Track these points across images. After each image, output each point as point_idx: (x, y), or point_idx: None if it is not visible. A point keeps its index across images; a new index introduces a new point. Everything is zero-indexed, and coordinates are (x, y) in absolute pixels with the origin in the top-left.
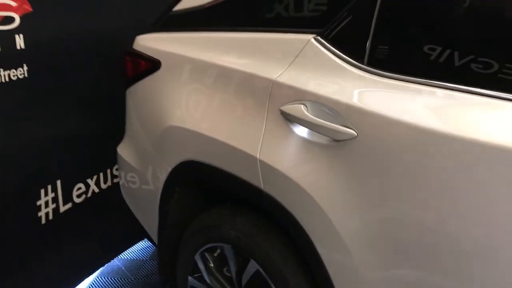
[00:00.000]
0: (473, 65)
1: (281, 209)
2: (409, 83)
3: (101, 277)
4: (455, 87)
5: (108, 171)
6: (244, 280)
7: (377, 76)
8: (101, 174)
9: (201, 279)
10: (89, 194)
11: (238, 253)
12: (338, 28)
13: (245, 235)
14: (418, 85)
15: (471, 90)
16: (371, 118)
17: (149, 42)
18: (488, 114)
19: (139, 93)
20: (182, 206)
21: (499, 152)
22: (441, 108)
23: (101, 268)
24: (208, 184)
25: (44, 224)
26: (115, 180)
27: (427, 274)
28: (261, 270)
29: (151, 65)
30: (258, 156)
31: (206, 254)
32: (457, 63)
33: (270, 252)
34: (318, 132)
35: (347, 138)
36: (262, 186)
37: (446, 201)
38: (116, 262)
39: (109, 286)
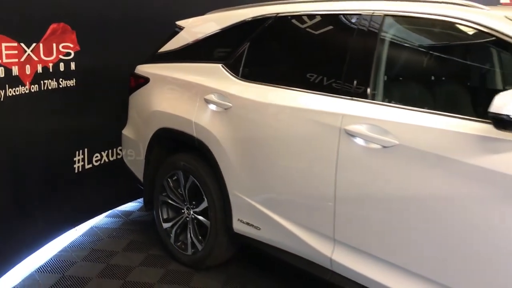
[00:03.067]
0: (289, 76)
1: (203, 145)
2: (259, 84)
3: (105, 218)
4: (283, 86)
5: (114, 149)
6: (187, 188)
7: (245, 82)
8: (110, 151)
9: (166, 195)
10: (102, 161)
11: (184, 174)
12: (230, 62)
13: (187, 163)
14: (264, 85)
15: (289, 88)
16: (241, 99)
17: (144, 68)
18: (292, 97)
19: (138, 96)
20: (157, 154)
21: (290, 110)
22: (275, 94)
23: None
24: (170, 139)
25: (77, 172)
26: (118, 157)
27: (260, 172)
28: (195, 180)
29: (144, 80)
30: (193, 120)
31: (169, 180)
32: (282, 76)
33: (200, 169)
34: (218, 106)
35: (229, 107)
36: (195, 134)
37: (274, 140)
38: (116, 211)
39: (111, 225)
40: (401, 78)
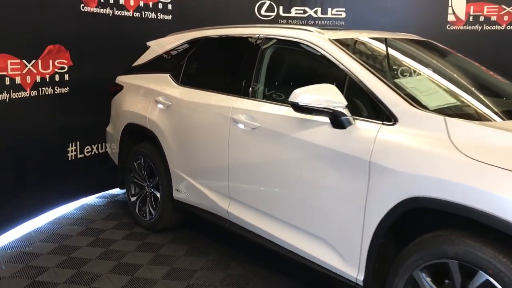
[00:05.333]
0: (208, 82)
1: (153, 135)
2: (190, 88)
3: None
4: (204, 89)
5: (103, 144)
6: (146, 168)
7: (182, 87)
8: (100, 145)
9: (133, 176)
10: (93, 153)
11: (143, 158)
12: (174, 72)
13: (145, 149)
14: (193, 89)
15: (207, 90)
16: (177, 99)
17: (121, 78)
18: (207, 96)
19: (116, 100)
20: (126, 144)
21: (204, 106)
22: (199, 95)
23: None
24: (134, 132)
25: (69, 160)
26: (105, 150)
27: (185, 150)
28: (150, 162)
29: (120, 88)
30: (147, 116)
31: (135, 163)
32: (205, 81)
33: (153, 154)
34: (163, 104)
35: (170, 105)
36: (148, 127)
37: (195, 128)
38: (106, 194)
39: (98, 203)
40: (268, 82)
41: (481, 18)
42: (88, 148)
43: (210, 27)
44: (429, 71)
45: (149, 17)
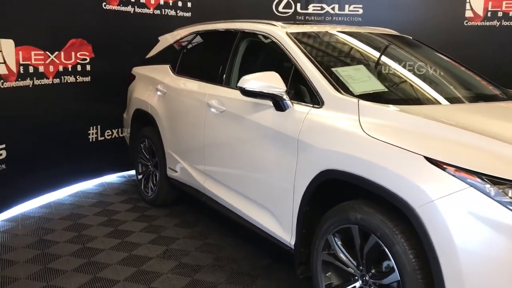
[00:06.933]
0: (196, 71)
1: (153, 119)
2: (183, 78)
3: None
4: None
5: (120, 129)
6: (148, 149)
7: (177, 76)
8: (119, 129)
9: (140, 156)
10: (112, 136)
11: (146, 140)
12: (171, 64)
13: (148, 132)
14: (185, 78)
15: (194, 79)
16: (171, 87)
17: (135, 69)
18: (192, 84)
19: (130, 88)
20: (134, 127)
21: (188, 92)
22: (187, 83)
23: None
24: (141, 116)
25: (91, 142)
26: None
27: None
28: (152, 144)
29: (134, 77)
30: (149, 102)
31: (141, 145)
32: (194, 71)
33: (153, 136)
34: (161, 92)
35: (165, 92)
36: (149, 111)
37: (182, 112)
38: (125, 174)
39: (116, 181)
40: (237, 71)
41: (500, 14)
42: (108, 132)
43: (202, 22)
44: (375, 62)
45: (169, 14)
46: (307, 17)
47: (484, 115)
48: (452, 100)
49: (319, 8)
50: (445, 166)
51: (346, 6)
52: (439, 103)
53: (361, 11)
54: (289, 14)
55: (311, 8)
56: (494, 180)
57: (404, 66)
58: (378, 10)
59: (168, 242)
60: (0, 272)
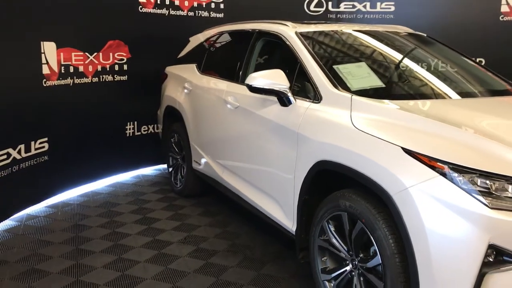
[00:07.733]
0: (218, 70)
1: (180, 115)
2: (207, 76)
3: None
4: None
5: (156, 125)
6: (178, 144)
7: (202, 75)
8: (155, 125)
9: (170, 150)
10: (148, 132)
11: (176, 135)
12: (197, 63)
13: (177, 127)
14: (209, 76)
15: (216, 77)
16: (196, 85)
17: (168, 68)
18: (214, 82)
19: (163, 86)
20: (166, 123)
21: (210, 89)
22: (211, 81)
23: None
24: (171, 112)
25: (127, 137)
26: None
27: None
28: (180, 138)
29: (166, 76)
30: (177, 99)
31: (171, 140)
32: (216, 70)
33: (181, 131)
34: (187, 89)
35: (191, 89)
36: (177, 108)
37: (205, 108)
38: (160, 167)
39: (151, 173)
40: (252, 69)
41: None
42: (145, 128)
43: (227, 23)
44: (379, 59)
45: (203, 15)
46: (338, 15)
47: (472, 109)
48: (444, 96)
49: (351, 6)
50: (419, 156)
51: (378, 3)
52: (436, 98)
53: (393, 8)
54: (320, 12)
55: (342, 7)
56: (463, 170)
57: (407, 63)
58: (411, 7)
59: (190, 229)
60: (38, 250)
